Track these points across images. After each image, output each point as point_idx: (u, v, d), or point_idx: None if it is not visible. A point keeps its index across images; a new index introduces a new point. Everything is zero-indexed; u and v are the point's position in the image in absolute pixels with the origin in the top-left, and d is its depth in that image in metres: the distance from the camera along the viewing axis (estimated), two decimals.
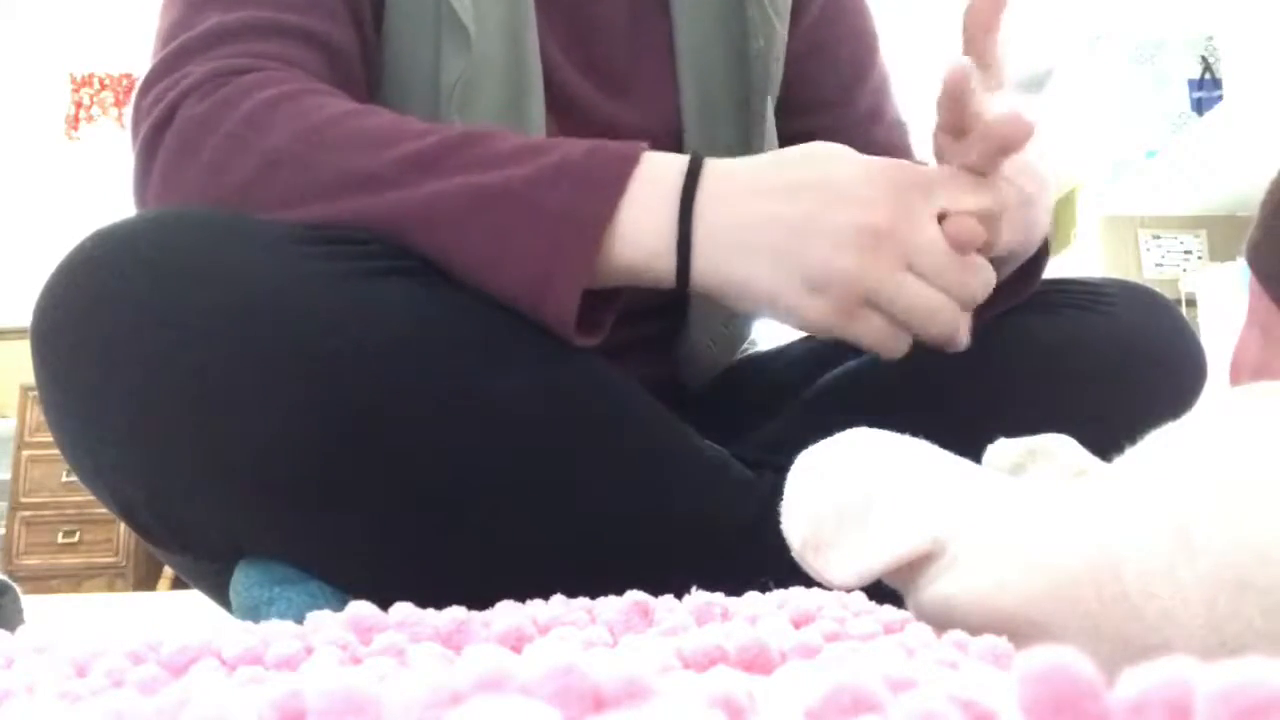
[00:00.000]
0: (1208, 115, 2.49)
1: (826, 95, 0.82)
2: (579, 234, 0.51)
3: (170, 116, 0.56)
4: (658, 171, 0.53)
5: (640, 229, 0.52)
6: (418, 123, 0.56)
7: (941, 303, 0.52)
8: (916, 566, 0.32)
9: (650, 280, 0.54)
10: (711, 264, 0.52)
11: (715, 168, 0.54)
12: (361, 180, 0.53)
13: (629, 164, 0.52)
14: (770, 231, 0.51)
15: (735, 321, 0.80)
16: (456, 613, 0.35)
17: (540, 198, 0.51)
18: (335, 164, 0.53)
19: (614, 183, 0.52)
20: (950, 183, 0.53)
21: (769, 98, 0.76)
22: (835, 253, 0.50)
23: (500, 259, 0.52)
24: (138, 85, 0.59)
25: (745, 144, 0.76)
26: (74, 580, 3.25)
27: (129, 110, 0.60)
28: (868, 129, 0.83)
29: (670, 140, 0.75)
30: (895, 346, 0.53)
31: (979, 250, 0.53)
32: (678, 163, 0.54)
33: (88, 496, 0.58)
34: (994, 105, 0.53)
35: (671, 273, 0.53)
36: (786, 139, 0.78)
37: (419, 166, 0.53)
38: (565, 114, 0.71)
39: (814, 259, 0.51)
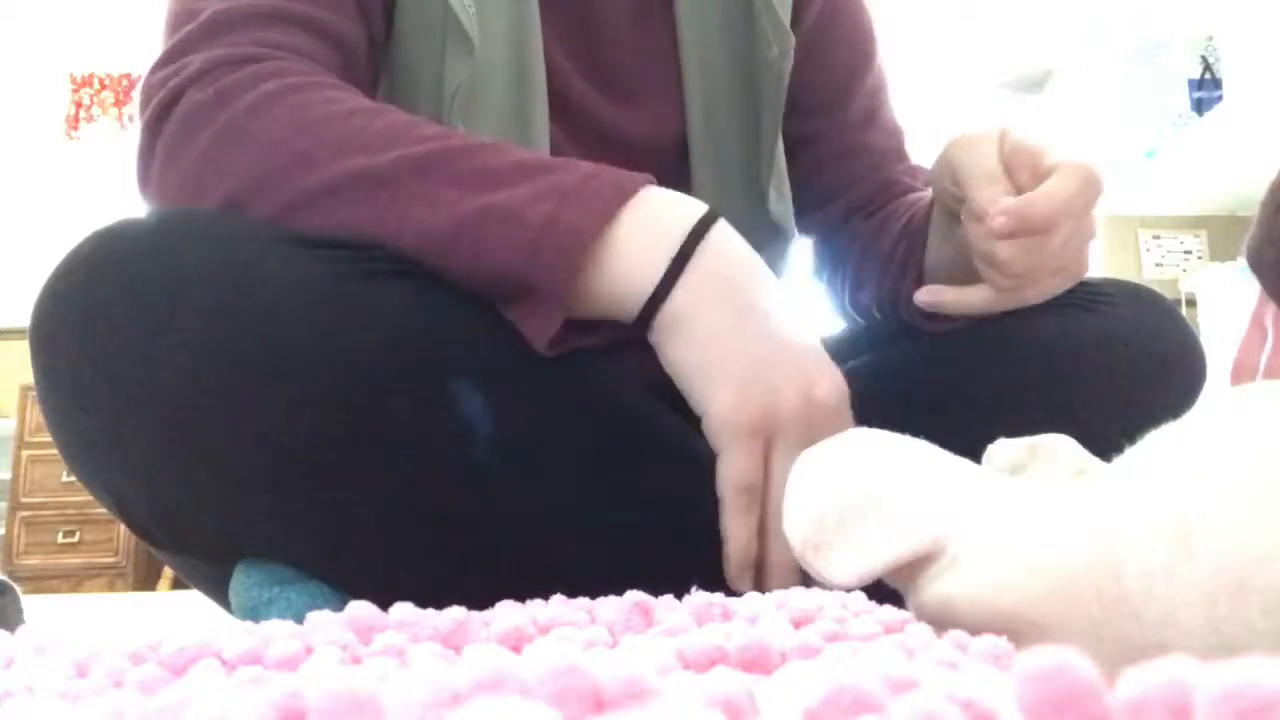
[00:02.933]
0: (1208, 115, 2.49)
1: (822, 98, 0.82)
2: (558, 248, 0.50)
3: (173, 104, 0.56)
4: (656, 208, 0.52)
5: (625, 260, 0.51)
6: (426, 126, 0.55)
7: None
8: (917, 566, 0.32)
9: (613, 313, 0.53)
10: (684, 313, 0.51)
11: (726, 230, 0.53)
12: (355, 178, 0.52)
13: (624, 193, 0.52)
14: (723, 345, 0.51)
15: None
16: (456, 613, 0.35)
17: (526, 213, 0.50)
18: (330, 162, 0.53)
19: (603, 206, 0.51)
20: None
21: (780, 104, 0.76)
22: (780, 394, 0.51)
23: (486, 276, 0.52)
24: (143, 77, 0.59)
25: (752, 150, 0.76)
26: (74, 580, 3.26)
27: (130, 107, 0.60)
28: (862, 133, 0.83)
29: (675, 146, 0.75)
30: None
31: None
32: (685, 205, 0.53)
33: (88, 496, 0.57)
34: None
35: (637, 308, 0.52)
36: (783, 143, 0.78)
37: (414, 170, 0.52)
38: (569, 120, 0.71)
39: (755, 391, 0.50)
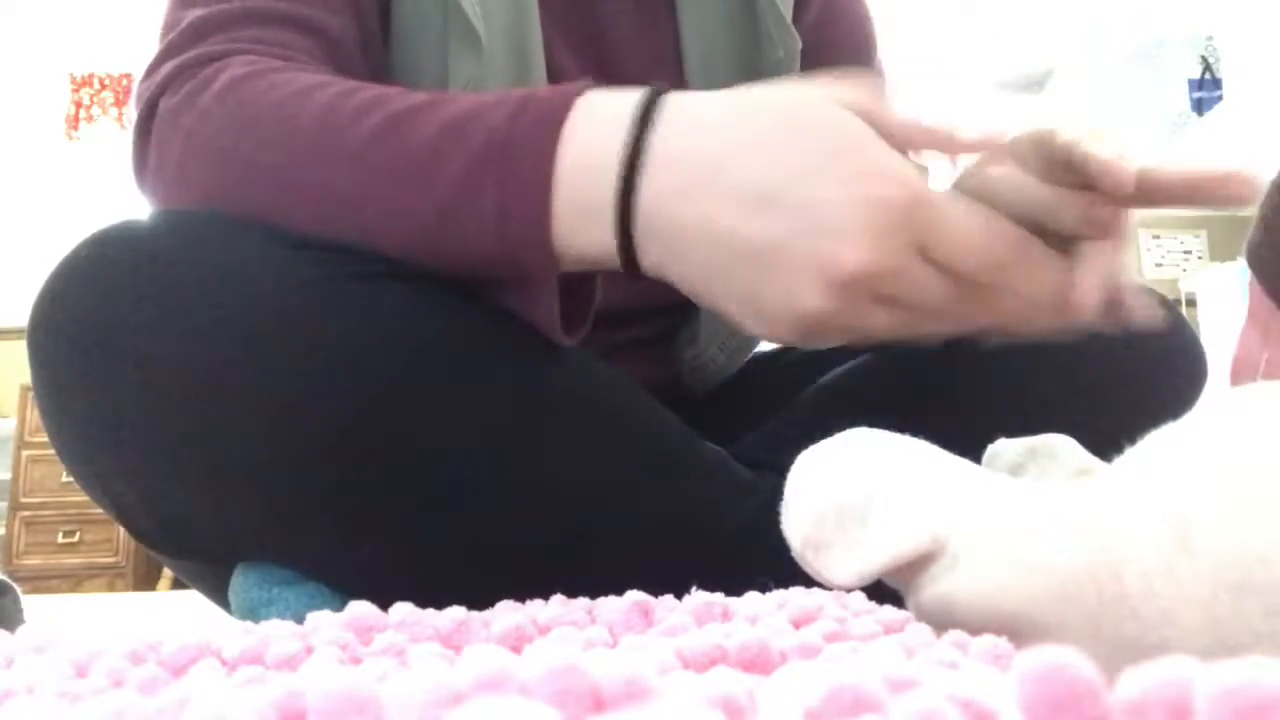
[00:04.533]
0: (1208, 115, 2.49)
1: None
2: (528, 245, 0.49)
3: (151, 113, 0.56)
4: (590, 141, 0.48)
5: (579, 221, 0.48)
6: (350, 98, 0.52)
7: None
8: (917, 566, 0.32)
9: (608, 263, 0.49)
10: (657, 266, 0.48)
11: (666, 156, 0.46)
12: (302, 192, 0.52)
13: (553, 142, 0.48)
14: (718, 252, 0.45)
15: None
16: (456, 613, 0.35)
17: (478, 208, 0.49)
18: (276, 168, 0.52)
19: (541, 178, 0.48)
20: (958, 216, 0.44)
21: None
22: (797, 296, 0.44)
23: (475, 272, 0.52)
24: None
25: None
26: (74, 580, 3.26)
27: (129, 110, 0.60)
28: None
29: None
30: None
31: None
32: (614, 126, 0.47)
33: (87, 496, 0.58)
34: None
35: (616, 257, 0.48)
36: None
37: (351, 171, 0.51)
38: None
39: (771, 301, 0.45)
